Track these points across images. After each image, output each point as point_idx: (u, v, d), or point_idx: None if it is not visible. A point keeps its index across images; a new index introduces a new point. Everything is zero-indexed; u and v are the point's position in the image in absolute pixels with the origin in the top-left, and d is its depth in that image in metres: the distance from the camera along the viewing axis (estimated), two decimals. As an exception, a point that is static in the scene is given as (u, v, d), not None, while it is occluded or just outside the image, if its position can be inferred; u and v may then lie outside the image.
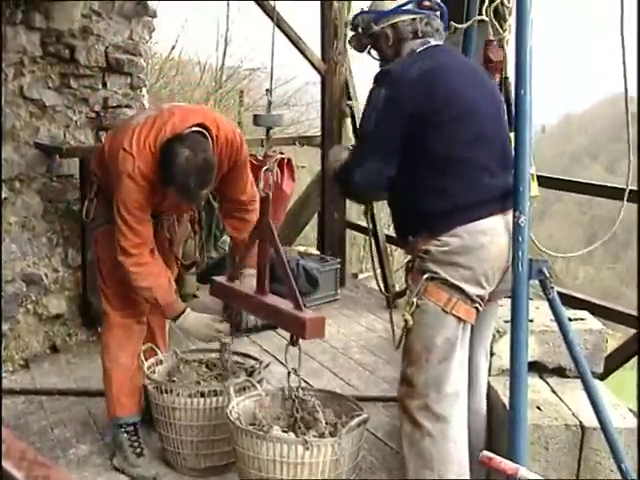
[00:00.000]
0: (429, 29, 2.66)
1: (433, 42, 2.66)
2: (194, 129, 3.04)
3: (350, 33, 2.83)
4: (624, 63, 2.50)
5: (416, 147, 2.53)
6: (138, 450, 3.29)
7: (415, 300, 2.52)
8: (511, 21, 3.18)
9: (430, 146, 2.52)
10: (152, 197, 3.08)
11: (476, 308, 2.55)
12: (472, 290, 2.52)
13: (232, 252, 3.53)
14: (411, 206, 2.60)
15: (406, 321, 2.54)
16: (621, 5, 2.48)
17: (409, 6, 2.66)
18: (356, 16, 2.75)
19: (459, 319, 2.52)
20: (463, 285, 2.50)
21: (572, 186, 4.72)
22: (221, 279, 3.19)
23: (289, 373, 2.83)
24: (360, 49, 2.81)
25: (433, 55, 2.64)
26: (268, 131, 2.98)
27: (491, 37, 3.12)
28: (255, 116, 2.99)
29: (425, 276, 2.51)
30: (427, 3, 2.66)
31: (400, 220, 2.73)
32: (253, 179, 3.36)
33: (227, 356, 3.28)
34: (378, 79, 2.60)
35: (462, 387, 2.60)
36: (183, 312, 3.20)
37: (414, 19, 2.65)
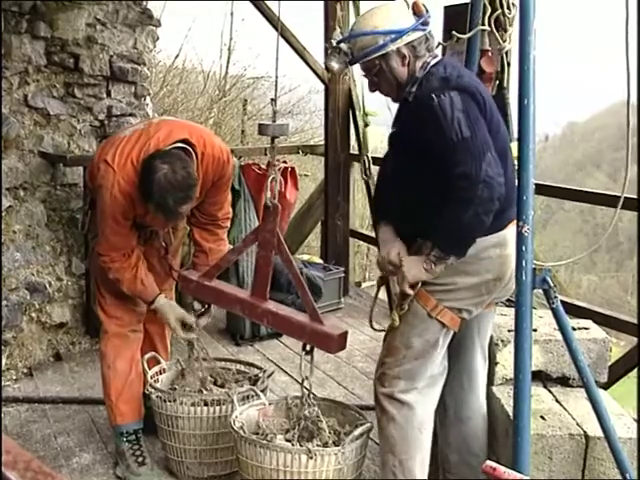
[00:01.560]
0: (434, 43, 2.63)
1: (437, 55, 2.64)
2: (178, 145, 3.04)
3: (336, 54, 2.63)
4: (628, 70, 2.50)
5: None
6: (140, 459, 3.29)
7: (407, 303, 2.59)
8: (512, 31, 3.19)
9: None
10: (133, 211, 3.08)
11: (462, 317, 2.63)
12: (467, 300, 2.59)
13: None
14: (431, 211, 2.47)
15: (393, 321, 2.63)
16: (626, 13, 2.48)
17: (415, 27, 2.56)
18: (348, 39, 2.58)
19: (443, 325, 2.60)
20: (458, 295, 2.57)
21: (574, 194, 4.72)
22: (191, 274, 3.17)
23: (303, 381, 2.85)
24: (343, 69, 2.76)
25: (454, 65, 2.61)
26: (273, 140, 2.98)
27: (487, 47, 3.13)
28: (260, 125, 2.98)
29: (419, 283, 2.56)
30: (428, 19, 2.61)
31: (413, 221, 2.60)
32: (230, 197, 3.46)
33: (196, 353, 3.33)
34: (439, 87, 2.44)
35: (433, 382, 2.68)
36: (156, 298, 3.26)
37: (426, 35, 2.58)
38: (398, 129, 2.68)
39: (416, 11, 2.55)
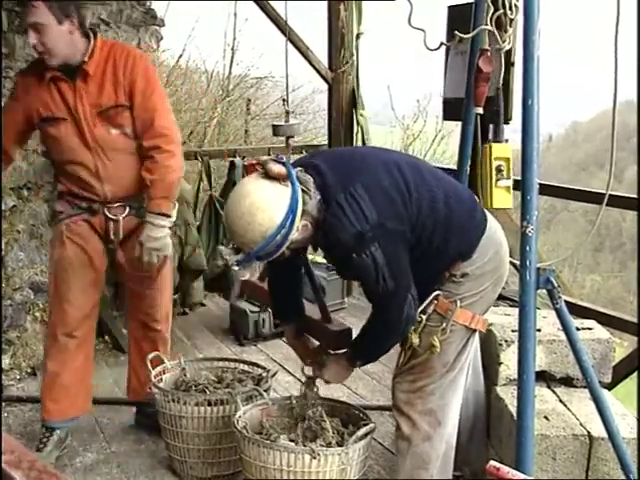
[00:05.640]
0: (310, 184, 2.37)
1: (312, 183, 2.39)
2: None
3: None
4: (615, 73, 2.49)
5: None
6: (41, 445, 3.36)
7: (445, 325, 2.55)
8: (512, 32, 3.20)
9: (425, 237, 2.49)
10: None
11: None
12: (492, 299, 2.68)
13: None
14: (434, 271, 2.58)
15: (434, 347, 2.56)
16: (617, 18, 2.47)
17: (296, 195, 2.31)
18: (248, 261, 2.37)
19: (475, 331, 2.64)
20: (486, 298, 2.63)
21: (577, 194, 4.71)
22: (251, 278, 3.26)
23: (311, 379, 2.92)
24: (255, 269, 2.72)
25: (348, 201, 2.35)
26: (288, 139, 3.00)
27: (486, 47, 3.13)
28: (274, 126, 3.02)
29: (458, 303, 2.56)
30: (301, 174, 2.37)
31: (426, 284, 2.58)
32: (169, 113, 3.24)
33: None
34: (357, 246, 2.32)
35: (459, 388, 2.69)
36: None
37: (302, 189, 2.34)
38: (327, 256, 2.70)
39: (276, 176, 2.32)
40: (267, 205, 2.29)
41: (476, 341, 2.79)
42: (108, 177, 3.17)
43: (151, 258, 3.17)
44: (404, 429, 2.65)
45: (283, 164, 2.34)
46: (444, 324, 2.55)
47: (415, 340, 2.57)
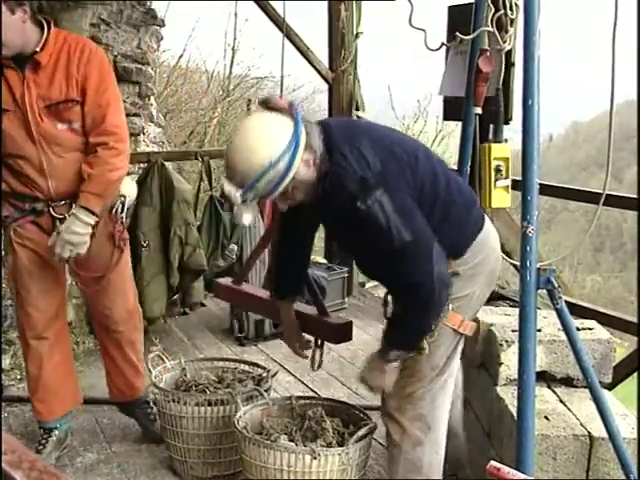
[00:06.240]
0: (314, 131, 2.28)
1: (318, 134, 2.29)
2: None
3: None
4: (612, 73, 2.49)
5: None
6: (40, 447, 3.37)
7: (436, 330, 2.48)
8: (512, 32, 3.20)
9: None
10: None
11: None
12: (481, 303, 2.65)
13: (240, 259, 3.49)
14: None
15: (422, 349, 2.49)
16: (614, 19, 2.47)
17: (299, 125, 2.22)
18: (250, 189, 2.19)
19: (462, 335, 2.60)
20: (475, 302, 2.59)
21: (577, 195, 4.72)
22: (226, 281, 3.26)
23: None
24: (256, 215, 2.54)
25: (352, 146, 2.28)
26: None
27: (486, 47, 3.14)
28: None
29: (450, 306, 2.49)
30: (295, 105, 2.28)
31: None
32: (121, 110, 3.15)
33: None
34: (360, 192, 2.20)
35: (448, 393, 2.66)
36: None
37: (305, 124, 2.25)
38: (333, 222, 2.50)
39: (278, 108, 2.24)
40: (270, 130, 2.21)
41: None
42: (53, 173, 3.04)
43: (63, 251, 3.01)
44: (394, 436, 2.61)
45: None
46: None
47: (426, 347, 2.50)
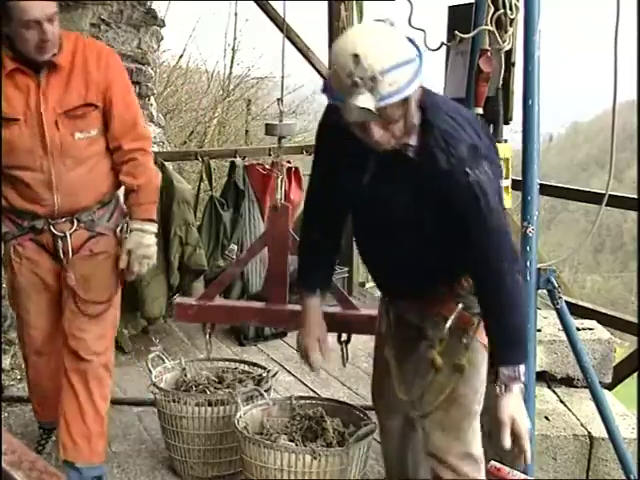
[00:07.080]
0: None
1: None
2: None
3: (361, 97, 1.82)
4: (615, 73, 2.49)
5: None
6: (40, 448, 3.43)
7: (466, 341, 2.22)
8: (512, 31, 3.20)
9: None
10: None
11: None
12: None
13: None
14: (447, 263, 2.21)
15: (461, 366, 2.21)
16: (616, 18, 2.47)
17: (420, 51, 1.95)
18: (390, 70, 1.83)
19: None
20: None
21: (577, 195, 4.72)
22: (189, 300, 3.18)
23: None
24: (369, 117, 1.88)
25: (455, 111, 2.09)
26: (280, 140, 2.98)
27: (486, 47, 3.14)
28: (267, 125, 3.00)
29: (478, 318, 2.22)
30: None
31: (428, 280, 2.27)
32: (145, 125, 3.05)
33: None
34: (470, 158, 1.96)
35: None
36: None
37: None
38: (398, 191, 2.10)
39: None
40: (398, 36, 1.91)
41: None
42: (61, 187, 2.81)
43: (142, 268, 2.93)
44: (446, 477, 2.32)
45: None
46: (465, 339, 2.21)
47: (438, 360, 2.22)
